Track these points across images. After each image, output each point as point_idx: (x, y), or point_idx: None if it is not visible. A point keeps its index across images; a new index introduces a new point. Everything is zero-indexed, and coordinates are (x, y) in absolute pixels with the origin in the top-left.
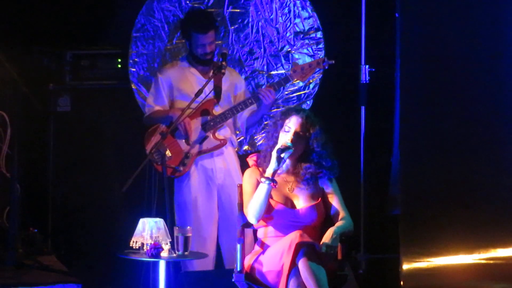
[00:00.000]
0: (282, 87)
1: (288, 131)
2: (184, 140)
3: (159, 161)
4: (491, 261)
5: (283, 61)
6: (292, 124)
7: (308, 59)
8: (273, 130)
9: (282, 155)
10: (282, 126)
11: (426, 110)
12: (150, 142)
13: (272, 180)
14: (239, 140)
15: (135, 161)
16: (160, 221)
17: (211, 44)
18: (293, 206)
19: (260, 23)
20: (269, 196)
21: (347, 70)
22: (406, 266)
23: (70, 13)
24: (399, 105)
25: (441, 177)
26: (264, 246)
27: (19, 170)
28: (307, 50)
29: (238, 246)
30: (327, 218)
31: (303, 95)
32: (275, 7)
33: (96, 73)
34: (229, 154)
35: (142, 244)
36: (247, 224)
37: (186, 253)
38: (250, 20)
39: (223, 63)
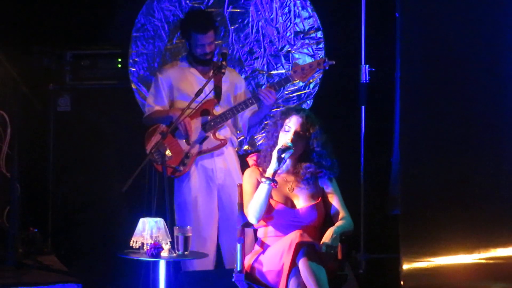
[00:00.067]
0: (282, 87)
1: (288, 131)
2: (184, 140)
3: (159, 161)
4: (491, 261)
5: (283, 61)
6: (292, 123)
7: (308, 59)
8: (273, 129)
9: (282, 156)
10: (282, 125)
11: (426, 110)
12: (150, 142)
13: (272, 180)
14: (239, 140)
15: (135, 161)
16: (160, 221)
17: (211, 44)
18: (293, 205)
19: (260, 23)
20: (269, 196)
21: (347, 70)
22: (406, 266)
23: (70, 13)
24: (399, 105)
25: (441, 177)
26: (264, 246)
27: (19, 170)
28: (307, 50)
29: (238, 246)
30: (327, 217)
31: (303, 94)
32: (275, 7)
33: (96, 73)
34: (229, 154)
35: (142, 244)
36: (247, 224)
37: (186, 253)
38: (250, 20)
39: (223, 63)
